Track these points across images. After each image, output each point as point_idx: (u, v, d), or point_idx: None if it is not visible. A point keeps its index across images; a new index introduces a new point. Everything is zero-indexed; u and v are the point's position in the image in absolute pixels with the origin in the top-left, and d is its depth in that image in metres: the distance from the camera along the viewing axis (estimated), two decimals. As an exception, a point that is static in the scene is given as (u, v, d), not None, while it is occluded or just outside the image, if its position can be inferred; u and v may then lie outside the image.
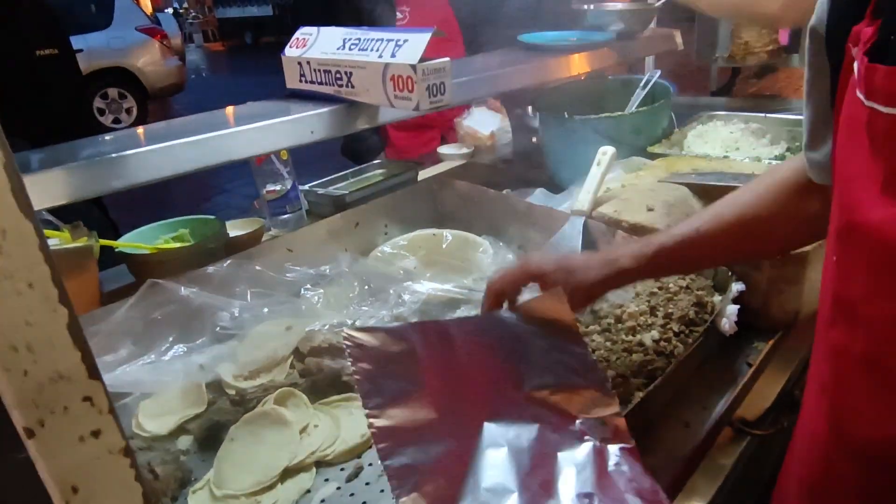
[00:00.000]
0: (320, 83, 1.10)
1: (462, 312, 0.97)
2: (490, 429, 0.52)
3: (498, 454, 0.50)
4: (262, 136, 0.97)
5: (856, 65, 0.49)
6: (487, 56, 1.57)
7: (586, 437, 0.53)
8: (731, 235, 0.70)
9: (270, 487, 0.70)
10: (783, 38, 2.00)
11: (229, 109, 1.11)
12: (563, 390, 0.56)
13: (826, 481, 0.60)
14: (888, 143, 0.46)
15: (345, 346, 0.56)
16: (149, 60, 6.42)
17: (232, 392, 0.83)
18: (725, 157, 1.28)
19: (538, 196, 1.32)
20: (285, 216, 1.39)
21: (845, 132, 0.52)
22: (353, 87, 1.04)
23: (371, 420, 0.51)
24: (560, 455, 0.51)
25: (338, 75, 1.06)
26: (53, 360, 0.22)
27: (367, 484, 0.70)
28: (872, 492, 0.54)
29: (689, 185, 1.10)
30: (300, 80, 1.13)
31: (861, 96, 0.47)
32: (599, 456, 0.51)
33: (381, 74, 0.98)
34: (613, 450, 0.52)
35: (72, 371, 0.23)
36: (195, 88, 8.14)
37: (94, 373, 0.23)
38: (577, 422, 0.54)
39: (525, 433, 0.52)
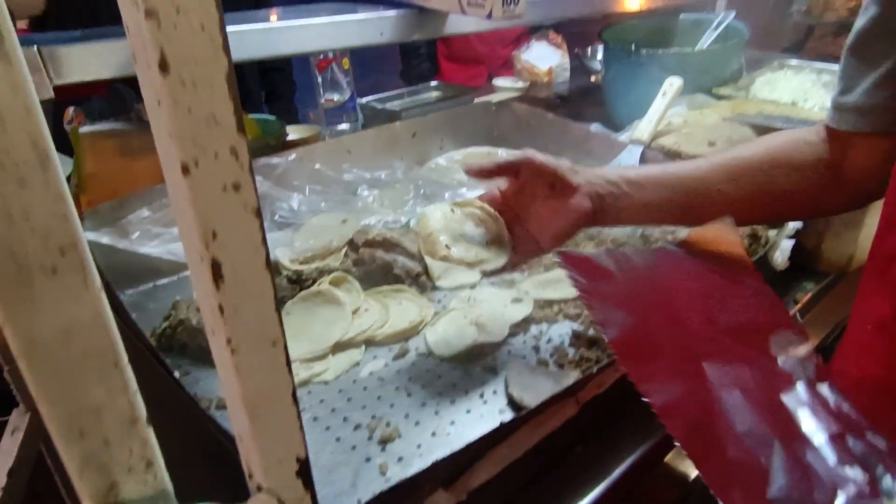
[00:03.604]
0: (392, -13, 1.09)
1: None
2: (710, 369, 0.47)
3: (733, 397, 0.45)
4: (333, 31, 0.98)
5: None
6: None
7: (795, 378, 0.49)
8: (742, 183, 0.65)
9: (322, 357, 0.74)
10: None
11: (297, 6, 1.11)
12: (754, 329, 0.52)
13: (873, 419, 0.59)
14: None
15: (566, 273, 0.53)
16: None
17: (289, 272, 0.87)
18: (793, 104, 1.25)
19: (594, 129, 1.31)
20: (341, 126, 1.41)
21: None
22: (425, -9, 1.03)
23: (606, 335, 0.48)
24: (784, 398, 0.47)
25: (411, -21, 1.06)
26: (211, 103, 0.24)
27: (413, 364, 0.74)
28: None
29: (754, 127, 1.08)
30: (371, -17, 1.13)
31: None
32: (817, 397, 0.47)
33: (456, -21, 0.98)
34: (825, 389, 0.48)
35: (225, 118, 0.25)
36: None
37: (241, 127, 0.25)
38: (779, 362, 0.50)
39: (742, 374, 0.47)
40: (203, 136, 0.25)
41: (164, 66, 0.23)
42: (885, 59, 0.58)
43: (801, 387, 0.47)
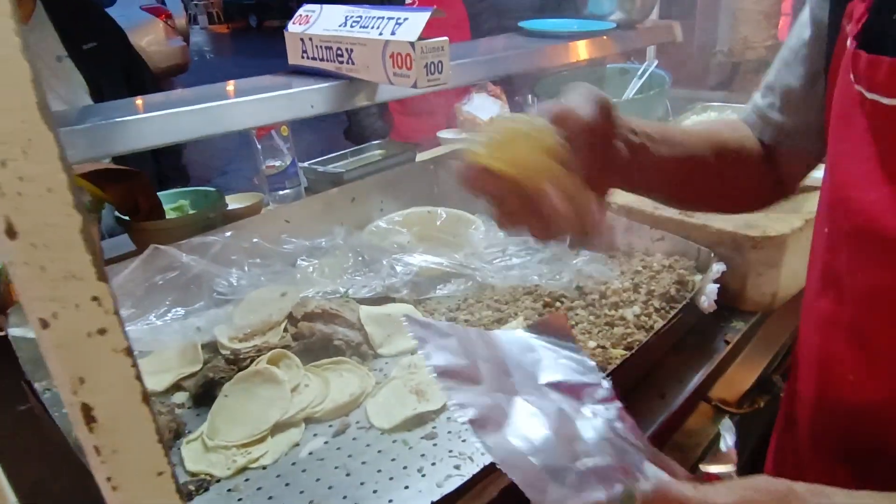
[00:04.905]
0: (322, 59, 1.12)
1: (453, 286, 1.00)
2: (520, 400, 0.55)
3: (529, 408, 0.54)
4: (263, 108, 0.99)
5: (849, 43, 0.50)
6: (489, 41, 1.60)
7: (596, 416, 0.57)
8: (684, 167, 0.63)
9: (261, 440, 0.73)
10: (782, 33, 2.02)
11: (232, 83, 1.13)
12: (572, 386, 0.61)
13: (811, 444, 0.62)
14: (886, 131, 0.47)
15: (407, 326, 0.58)
16: (153, 40, 6.37)
17: (227, 352, 0.86)
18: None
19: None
20: (284, 191, 1.42)
21: (839, 110, 0.53)
22: (353, 63, 1.07)
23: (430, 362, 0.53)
24: (577, 423, 0.55)
25: (339, 52, 1.09)
26: (67, 259, 0.25)
27: (353, 439, 0.73)
28: (854, 455, 0.56)
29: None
30: (302, 56, 1.16)
31: (858, 87, 0.48)
32: (609, 426, 0.55)
33: (381, 51, 1.01)
34: (618, 426, 0.56)
35: (83, 271, 0.25)
36: (198, 70, 8.11)
37: (102, 275, 0.26)
38: (584, 406, 0.58)
39: (548, 407, 0.56)
40: (60, 291, 0.25)
41: (11, 233, 0.23)
42: (815, 82, 0.61)
43: (598, 421, 0.55)
